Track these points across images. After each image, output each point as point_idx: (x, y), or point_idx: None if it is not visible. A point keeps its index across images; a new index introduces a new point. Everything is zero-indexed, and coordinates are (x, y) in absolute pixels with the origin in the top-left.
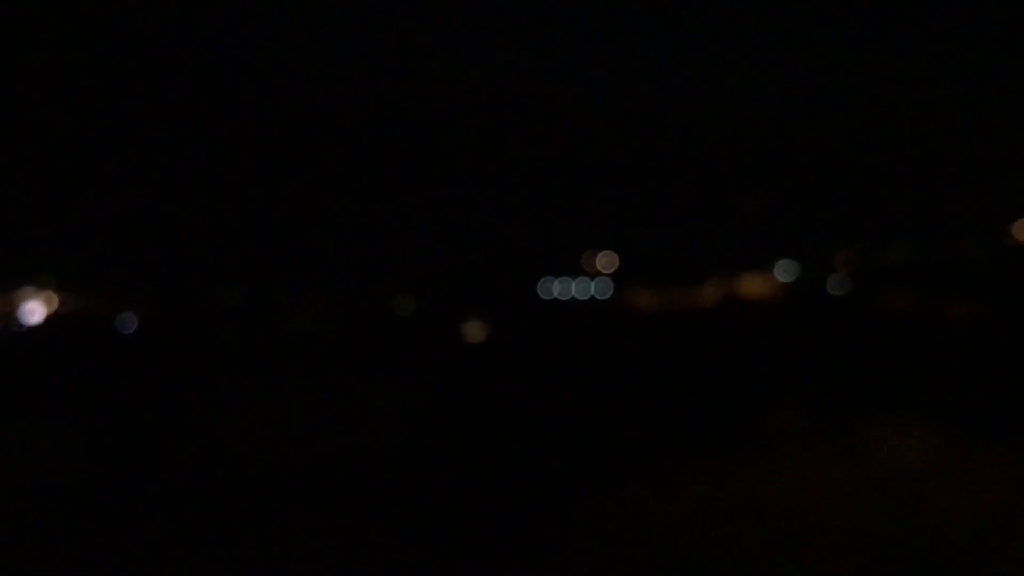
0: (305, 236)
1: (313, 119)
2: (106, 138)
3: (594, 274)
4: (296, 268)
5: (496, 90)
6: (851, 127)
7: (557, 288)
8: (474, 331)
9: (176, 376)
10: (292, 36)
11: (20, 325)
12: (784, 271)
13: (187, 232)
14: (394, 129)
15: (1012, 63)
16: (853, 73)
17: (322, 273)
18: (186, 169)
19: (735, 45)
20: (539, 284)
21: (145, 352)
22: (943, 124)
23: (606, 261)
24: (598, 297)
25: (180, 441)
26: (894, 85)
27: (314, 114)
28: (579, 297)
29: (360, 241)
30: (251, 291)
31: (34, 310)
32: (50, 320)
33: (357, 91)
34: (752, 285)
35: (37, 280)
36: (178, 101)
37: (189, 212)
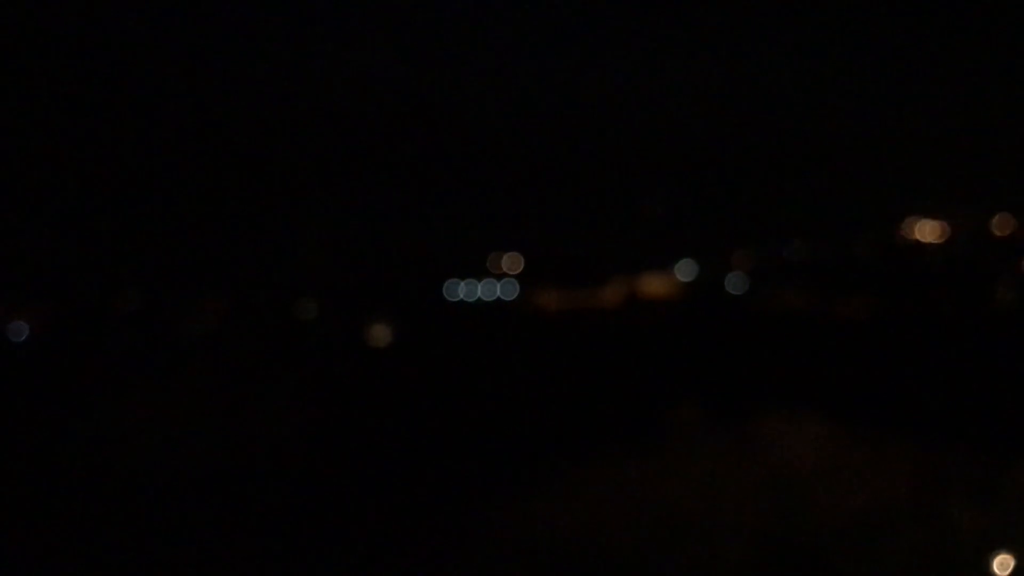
0: (203, 239)
1: (208, 117)
2: None
3: (500, 275)
4: (194, 272)
5: (398, 88)
6: (746, 128)
7: (463, 290)
8: (379, 334)
9: (71, 384)
10: (164, 31)
11: None
12: (684, 271)
13: (80, 237)
14: (294, 127)
15: (902, 65)
16: (746, 75)
17: (221, 276)
18: (77, 173)
19: (629, 46)
20: (444, 286)
21: (38, 361)
22: (835, 125)
23: (511, 262)
24: (504, 298)
25: (75, 450)
26: (786, 86)
27: (209, 112)
28: (485, 299)
29: (260, 243)
30: (147, 296)
31: None
32: None
33: (256, 88)
34: (653, 285)
35: None
36: (59, 104)
37: (82, 217)
